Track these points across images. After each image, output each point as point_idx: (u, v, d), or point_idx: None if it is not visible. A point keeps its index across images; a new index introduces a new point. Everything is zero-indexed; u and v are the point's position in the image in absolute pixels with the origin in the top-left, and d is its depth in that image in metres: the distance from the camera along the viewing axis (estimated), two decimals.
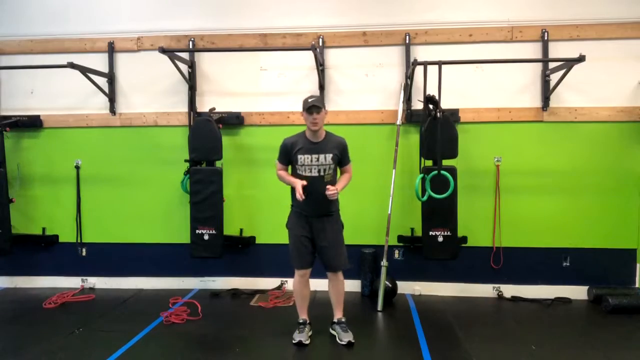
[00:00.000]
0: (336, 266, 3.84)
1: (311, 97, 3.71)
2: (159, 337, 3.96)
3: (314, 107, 3.61)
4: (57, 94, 5.27)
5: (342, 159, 3.83)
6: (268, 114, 5.13)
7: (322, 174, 3.73)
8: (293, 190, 3.75)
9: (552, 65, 4.75)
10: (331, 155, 3.73)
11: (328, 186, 3.65)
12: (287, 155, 3.80)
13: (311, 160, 3.72)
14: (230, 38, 5.12)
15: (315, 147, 3.72)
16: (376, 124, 5.02)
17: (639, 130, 4.81)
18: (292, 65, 5.09)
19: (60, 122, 5.28)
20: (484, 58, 4.84)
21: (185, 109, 5.17)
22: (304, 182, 3.64)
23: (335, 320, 3.94)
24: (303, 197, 3.57)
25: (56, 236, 5.35)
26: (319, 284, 4.91)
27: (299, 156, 3.73)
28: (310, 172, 3.72)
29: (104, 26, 5.21)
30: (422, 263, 4.92)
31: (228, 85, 5.17)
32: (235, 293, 5.04)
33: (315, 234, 3.82)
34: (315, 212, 3.78)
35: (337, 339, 3.83)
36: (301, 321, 3.90)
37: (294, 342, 3.77)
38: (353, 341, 3.76)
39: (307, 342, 3.79)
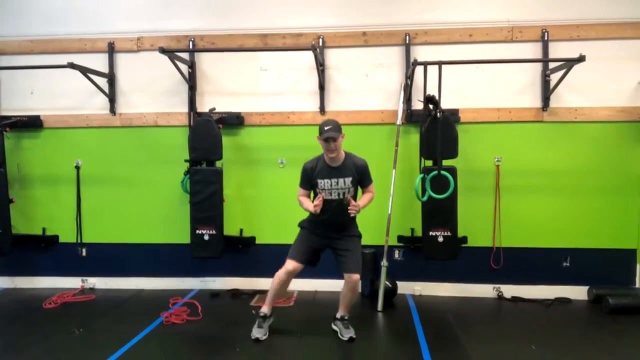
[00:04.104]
0: (353, 268, 3.77)
1: (327, 123, 3.69)
2: (159, 337, 3.96)
3: (330, 137, 3.62)
4: (57, 94, 5.27)
5: (362, 180, 3.84)
6: (268, 114, 5.13)
7: (341, 197, 3.76)
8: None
9: (552, 65, 4.75)
10: (350, 178, 3.76)
11: (349, 199, 3.68)
12: (309, 180, 3.83)
13: (331, 185, 3.75)
14: (230, 38, 5.12)
15: (334, 171, 3.76)
16: (376, 124, 5.02)
17: (639, 130, 4.81)
18: (292, 66, 5.08)
19: (61, 123, 5.28)
20: (484, 58, 4.84)
21: (185, 109, 5.17)
22: (319, 201, 3.65)
23: (338, 316, 3.94)
24: (317, 210, 3.62)
25: (56, 236, 5.34)
26: (319, 284, 4.94)
27: (319, 180, 3.77)
28: (330, 195, 3.76)
29: (104, 26, 5.21)
30: (422, 263, 4.92)
31: (228, 86, 5.17)
32: (235, 293, 5.04)
33: (331, 244, 3.86)
34: (332, 230, 3.83)
35: (339, 334, 3.86)
36: (262, 314, 3.92)
37: (252, 337, 3.80)
38: (354, 337, 3.80)
39: (264, 337, 3.83)
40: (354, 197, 3.83)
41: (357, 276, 3.77)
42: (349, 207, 3.67)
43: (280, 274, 3.83)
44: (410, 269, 5.05)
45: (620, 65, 4.80)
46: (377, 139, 4.99)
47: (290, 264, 3.79)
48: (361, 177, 3.82)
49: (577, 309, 4.66)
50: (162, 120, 5.22)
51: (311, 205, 3.71)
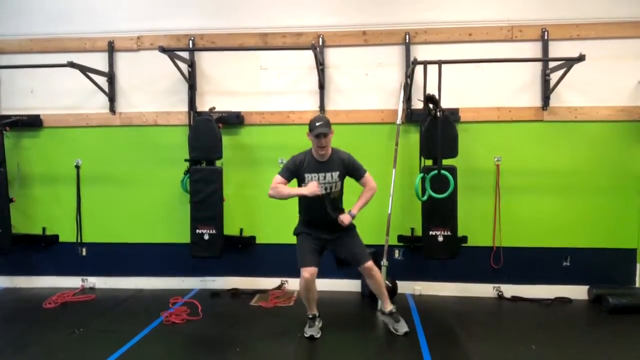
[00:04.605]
0: (362, 258, 3.84)
1: (318, 120, 3.75)
2: (159, 337, 3.96)
3: (321, 133, 3.67)
4: (57, 94, 5.27)
5: (353, 173, 3.87)
6: (268, 114, 5.12)
7: (328, 191, 3.81)
8: (301, 205, 3.91)
9: (552, 64, 4.75)
10: (337, 172, 3.81)
11: (340, 217, 3.79)
12: (294, 172, 3.84)
13: (318, 179, 3.79)
14: (230, 37, 5.11)
15: (321, 166, 3.80)
16: (376, 124, 5.02)
17: (639, 130, 4.80)
18: (292, 65, 5.08)
19: (60, 122, 5.27)
20: (484, 57, 4.82)
21: (185, 108, 5.16)
22: (316, 186, 3.70)
23: (386, 311, 3.98)
24: (321, 191, 3.67)
25: (56, 236, 5.34)
26: (319, 284, 4.88)
27: (306, 175, 3.80)
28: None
29: (104, 25, 5.20)
30: (422, 263, 4.91)
31: (228, 85, 5.17)
32: (235, 293, 5.04)
33: (328, 243, 3.90)
34: (326, 228, 3.86)
35: (392, 329, 3.94)
36: (311, 316, 3.95)
37: (305, 335, 3.85)
38: (408, 330, 3.88)
39: (318, 335, 3.87)
40: (341, 192, 3.90)
41: (370, 263, 3.85)
42: (340, 218, 3.77)
43: (301, 287, 3.85)
44: (410, 268, 5.04)
45: (620, 64, 4.79)
46: (377, 138, 4.99)
47: (306, 272, 3.75)
48: (350, 170, 3.86)
49: (577, 309, 4.66)
50: (162, 120, 5.22)
51: (301, 189, 3.76)
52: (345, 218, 3.79)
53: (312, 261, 3.79)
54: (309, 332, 3.88)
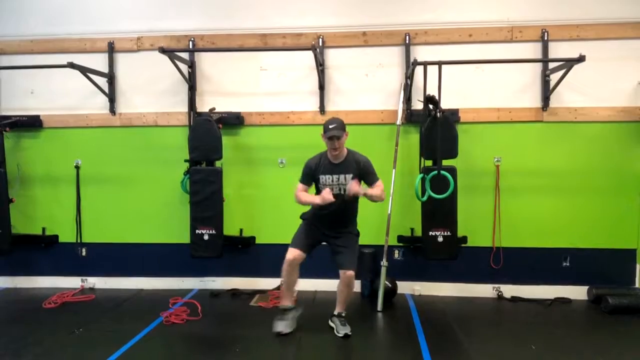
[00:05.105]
0: (347, 264, 3.84)
1: (332, 122, 3.77)
2: (159, 337, 3.96)
3: (334, 136, 3.70)
4: (57, 94, 5.27)
5: (366, 178, 3.88)
6: (268, 114, 5.13)
7: (342, 192, 3.83)
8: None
9: (552, 65, 4.75)
10: (351, 175, 3.83)
11: (350, 184, 3.72)
12: (311, 177, 3.90)
13: (332, 180, 3.84)
14: (230, 38, 5.12)
15: (336, 168, 3.85)
16: (376, 124, 5.02)
17: (639, 130, 4.81)
18: (292, 65, 5.08)
19: (60, 122, 5.28)
20: (484, 58, 4.84)
21: (185, 109, 5.17)
22: (328, 193, 3.70)
23: (335, 313, 4.02)
24: (333, 199, 3.67)
25: (56, 236, 5.34)
26: (319, 284, 4.94)
27: (321, 176, 3.86)
28: (332, 190, 3.81)
29: (104, 26, 5.21)
30: (422, 263, 4.92)
31: (228, 85, 5.17)
32: (235, 293, 5.04)
33: (329, 239, 3.95)
34: (332, 226, 3.92)
35: (335, 330, 3.94)
36: (283, 308, 3.99)
37: (274, 330, 3.88)
38: (350, 334, 3.86)
39: (287, 331, 3.90)
40: (354, 195, 3.86)
41: (351, 272, 3.85)
42: (348, 187, 3.70)
43: (284, 265, 3.88)
44: (410, 268, 5.04)
45: (620, 65, 4.80)
46: (377, 139, 4.99)
47: (290, 253, 3.85)
48: (363, 174, 3.87)
49: (577, 309, 4.66)
50: (162, 120, 5.22)
51: (316, 197, 3.78)
52: (354, 186, 3.69)
53: (301, 245, 3.87)
54: (278, 326, 3.90)
